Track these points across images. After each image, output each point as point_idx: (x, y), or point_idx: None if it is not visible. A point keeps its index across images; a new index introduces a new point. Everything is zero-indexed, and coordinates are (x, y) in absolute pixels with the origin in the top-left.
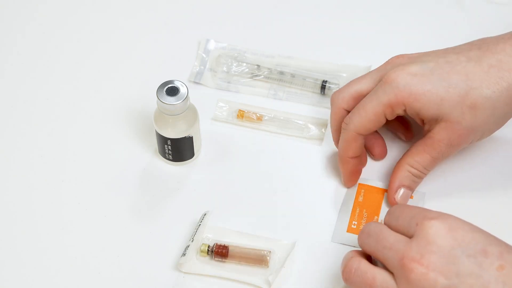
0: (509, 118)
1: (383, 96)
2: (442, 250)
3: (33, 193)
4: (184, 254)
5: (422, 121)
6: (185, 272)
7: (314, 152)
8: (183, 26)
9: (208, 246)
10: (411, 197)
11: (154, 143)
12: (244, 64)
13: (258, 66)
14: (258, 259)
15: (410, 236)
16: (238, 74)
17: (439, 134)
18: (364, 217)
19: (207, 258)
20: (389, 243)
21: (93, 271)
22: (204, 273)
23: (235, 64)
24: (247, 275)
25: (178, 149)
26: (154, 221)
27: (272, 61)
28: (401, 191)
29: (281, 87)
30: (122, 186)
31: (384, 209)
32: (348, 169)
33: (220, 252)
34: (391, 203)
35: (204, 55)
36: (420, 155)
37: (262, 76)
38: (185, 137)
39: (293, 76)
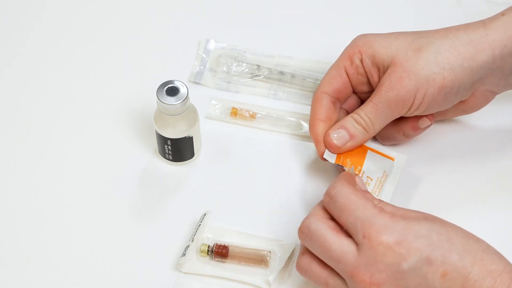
0: (453, 82)
1: (342, 53)
2: (390, 268)
3: (33, 193)
4: (184, 254)
5: (378, 72)
6: (185, 272)
7: (308, 150)
8: (183, 26)
9: (208, 246)
10: (392, 158)
11: (154, 143)
12: (244, 64)
13: (258, 66)
14: (258, 259)
15: (355, 241)
16: (238, 74)
17: (383, 79)
18: (348, 165)
19: (207, 258)
20: (337, 256)
21: (93, 271)
22: (204, 273)
23: (235, 64)
24: (247, 275)
25: (178, 149)
26: (154, 221)
27: (272, 61)
28: (340, 131)
29: (281, 87)
30: (122, 186)
31: (367, 163)
32: (317, 131)
33: (220, 252)
34: (326, 142)
35: (204, 55)
36: (366, 103)
37: (262, 76)
38: (185, 137)
39: (293, 76)
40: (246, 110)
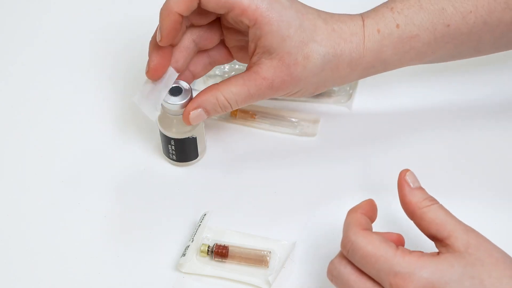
0: (323, 87)
1: None
2: None
3: (33, 194)
4: (184, 254)
5: (255, 43)
6: (185, 272)
7: (309, 150)
8: None
9: (208, 246)
10: None
11: (157, 143)
12: (237, 65)
13: None
14: (258, 259)
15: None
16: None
17: (266, 72)
18: None
19: (207, 258)
20: None
21: (93, 271)
22: (204, 273)
23: (227, 66)
24: (247, 275)
25: (182, 150)
26: (154, 221)
27: None
28: (198, 111)
29: None
30: (122, 186)
31: None
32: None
33: (220, 252)
34: (185, 118)
35: None
36: (238, 87)
37: None
38: (188, 137)
39: None
40: (246, 110)
